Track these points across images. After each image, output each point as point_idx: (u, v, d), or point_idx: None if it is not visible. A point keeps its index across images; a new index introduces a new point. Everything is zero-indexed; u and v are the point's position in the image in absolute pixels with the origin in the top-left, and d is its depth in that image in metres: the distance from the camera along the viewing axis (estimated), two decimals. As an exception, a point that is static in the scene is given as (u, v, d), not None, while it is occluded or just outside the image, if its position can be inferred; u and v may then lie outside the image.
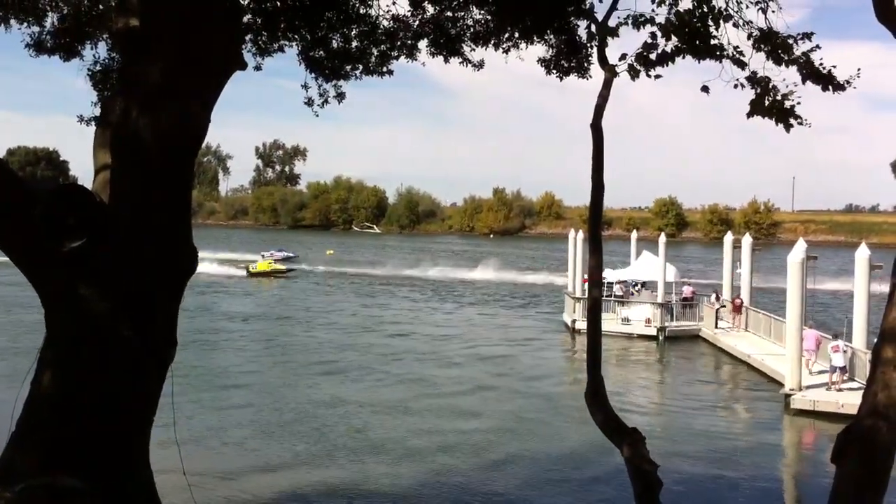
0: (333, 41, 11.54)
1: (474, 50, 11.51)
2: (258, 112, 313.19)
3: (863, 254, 30.40)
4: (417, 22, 11.51)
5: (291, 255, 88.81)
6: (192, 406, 24.56)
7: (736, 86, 8.87)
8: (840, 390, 26.94)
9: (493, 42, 11.22)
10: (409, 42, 11.73)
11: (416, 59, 11.94)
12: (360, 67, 11.84)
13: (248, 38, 10.89)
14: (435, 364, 35.16)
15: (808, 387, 27.87)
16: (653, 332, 41.69)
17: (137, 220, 6.88)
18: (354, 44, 11.65)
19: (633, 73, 8.51)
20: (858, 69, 8.60)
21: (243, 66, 7.55)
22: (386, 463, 21.31)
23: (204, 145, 8.61)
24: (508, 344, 40.84)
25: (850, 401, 23.80)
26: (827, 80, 8.52)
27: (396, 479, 20.11)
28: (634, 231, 59.12)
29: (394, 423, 25.32)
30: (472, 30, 11.34)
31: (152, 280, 7.00)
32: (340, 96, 12.02)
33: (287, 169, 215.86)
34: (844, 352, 27.81)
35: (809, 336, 30.13)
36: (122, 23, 7.41)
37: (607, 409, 7.40)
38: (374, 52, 11.78)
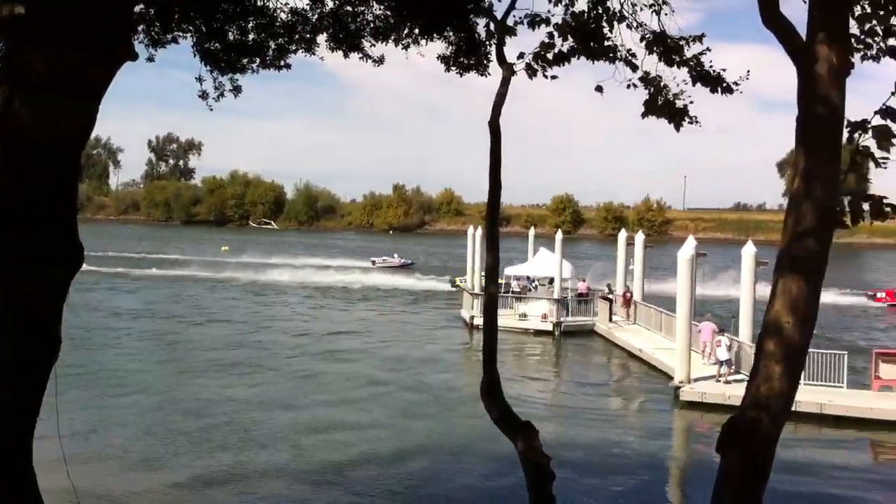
0: (230, 33, 11.29)
1: (374, 45, 11.45)
2: (152, 105, 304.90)
3: (749, 251, 31.73)
4: (316, 16, 11.38)
5: (408, 261, 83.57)
6: (74, 405, 23.72)
7: (629, 86, 9.10)
8: (727, 383, 27.97)
9: (392, 38, 11.18)
10: (308, 36, 11.57)
11: (314, 54, 11.80)
12: (258, 60, 11.61)
13: (140, 28, 10.56)
14: (328, 360, 34.94)
15: (697, 379, 28.83)
16: (549, 327, 42.42)
17: (21, 214, 6.60)
18: (251, 36, 11.42)
19: (531, 72, 8.62)
20: (748, 71, 8.90)
21: (133, 56, 7.30)
22: (271, 460, 21.11)
23: (93, 137, 8.33)
24: (405, 340, 40.89)
25: (736, 392, 24.71)
26: (716, 82, 8.80)
27: (281, 477, 19.93)
28: (532, 228, 60.04)
29: (282, 419, 25.07)
30: (371, 25, 11.27)
31: (36, 277, 6.72)
32: (237, 90, 11.76)
33: (181, 163, 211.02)
34: (729, 346, 28.91)
35: (706, 329, 31.26)
36: (7, 10, 7.08)
37: (502, 403, 7.49)
38: (272, 45, 11.56)
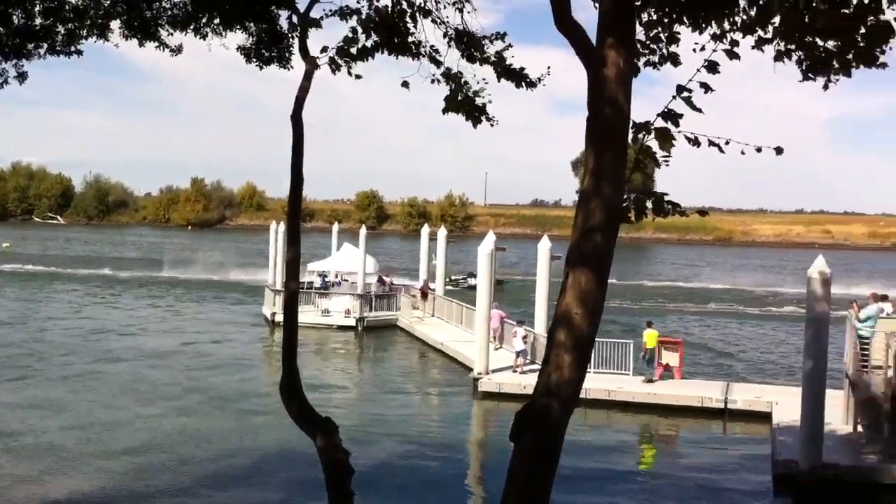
0: (14, 17, 10.50)
1: (172, 34, 10.97)
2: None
3: (545, 245, 33.21)
4: (109, 1, 10.76)
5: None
6: None
7: (433, 81, 9.22)
8: (523, 373, 29.04)
9: (192, 27, 10.75)
10: (100, 21, 10.93)
11: (108, 40, 11.15)
12: (45, 46, 10.87)
13: None
14: (107, 361, 33.24)
15: (495, 370, 29.75)
16: (352, 322, 42.42)
17: None
18: (38, 21, 10.66)
19: (335, 66, 8.54)
20: (549, 67, 9.25)
21: None
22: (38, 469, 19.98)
23: None
24: (203, 338, 39.63)
25: (531, 382, 25.38)
26: (519, 78, 9.10)
27: (46, 485, 18.91)
28: (336, 223, 59.82)
29: (50, 424, 23.77)
30: (169, 13, 10.78)
31: None
32: (22, 76, 10.98)
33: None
34: (525, 336, 30.04)
35: (495, 315, 32.30)
36: None
37: (301, 400, 7.40)
38: (61, 30, 10.85)
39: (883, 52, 6.86)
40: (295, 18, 9.81)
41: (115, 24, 10.93)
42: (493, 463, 21.54)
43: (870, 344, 21.58)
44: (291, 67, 10.78)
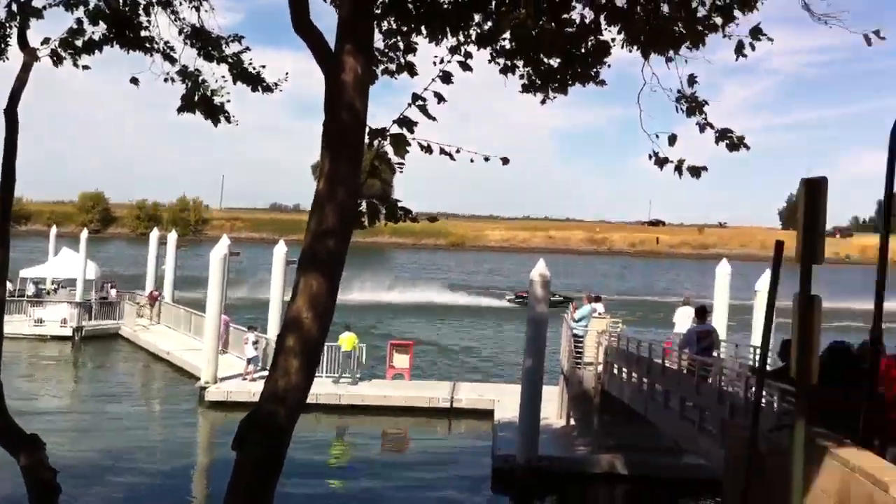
0: None
1: None
2: None
3: (280, 250, 32.70)
4: None
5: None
6: None
7: (167, 80, 8.86)
8: (254, 380, 28.37)
9: None
10: None
11: None
12: None
13: None
14: None
15: (224, 378, 28.93)
16: (68, 332, 39.42)
17: None
18: None
19: (57, 59, 8.01)
20: (286, 73, 9.21)
21: None
22: None
23: None
24: None
25: (261, 389, 25.22)
26: (256, 81, 8.95)
27: None
28: (54, 226, 55.59)
29: None
30: None
31: None
32: None
33: None
34: (256, 343, 29.47)
35: (221, 320, 31.37)
36: None
37: (4, 415, 6.80)
38: None
39: (598, 72, 7.52)
40: (14, 7, 9.01)
41: None
42: (217, 475, 20.84)
43: (583, 342, 23.35)
44: (7, 59, 9.91)
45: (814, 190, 6.22)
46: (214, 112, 8.97)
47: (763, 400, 10.66)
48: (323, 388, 27.25)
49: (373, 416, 27.24)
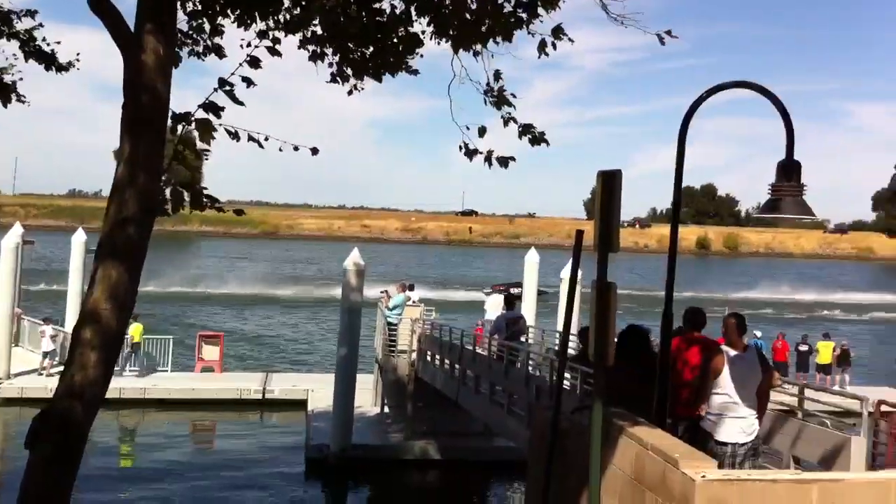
0: None
1: None
2: None
3: (79, 238, 31.10)
4: None
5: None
6: None
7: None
8: (51, 375, 26.81)
9: None
10: None
11: None
12: None
13: None
14: None
15: (18, 374, 27.20)
16: None
17: None
18: None
19: None
20: (78, 53, 8.74)
21: None
22: None
23: None
24: None
25: (60, 385, 23.89)
26: (49, 60, 8.45)
27: None
28: None
29: None
30: None
31: None
32: None
33: None
34: (53, 336, 27.83)
35: None
36: None
37: None
38: None
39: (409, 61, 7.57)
40: None
41: None
42: (11, 476, 19.53)
43: (397, 330, 23.61)
44: None
45: (609, 182, 6.58)
46: (5, 91, 8.47)
47: (567, 383, 11.22)
48: (127, 383, 26.15)
49: (180, 411, 26.35)
